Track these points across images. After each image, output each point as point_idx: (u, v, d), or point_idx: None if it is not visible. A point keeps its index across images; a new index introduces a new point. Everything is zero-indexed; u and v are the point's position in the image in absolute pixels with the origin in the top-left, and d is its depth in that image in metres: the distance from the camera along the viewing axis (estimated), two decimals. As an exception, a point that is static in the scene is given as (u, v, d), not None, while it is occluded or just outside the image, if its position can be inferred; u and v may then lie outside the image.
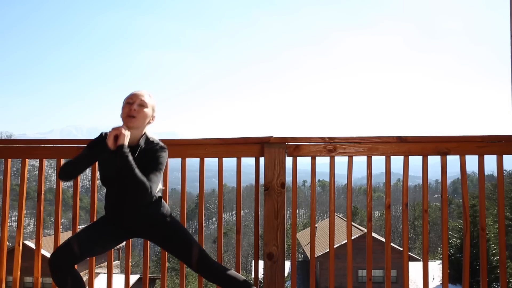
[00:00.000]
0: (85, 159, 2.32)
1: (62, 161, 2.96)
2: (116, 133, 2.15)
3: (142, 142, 2.30)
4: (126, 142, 2.15)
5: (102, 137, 2.32)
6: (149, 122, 2.35)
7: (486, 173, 2.90)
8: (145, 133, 2.33)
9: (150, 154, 2.26)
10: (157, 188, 2.25)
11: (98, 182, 2.78)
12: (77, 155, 2.33)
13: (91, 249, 2.32)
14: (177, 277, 30.02)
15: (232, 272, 2.44)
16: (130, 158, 2.13)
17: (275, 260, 2.80)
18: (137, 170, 2.12)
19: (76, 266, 2.34)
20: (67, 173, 2.32)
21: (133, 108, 2.24)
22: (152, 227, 2.39)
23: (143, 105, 2.27)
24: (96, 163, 2.61)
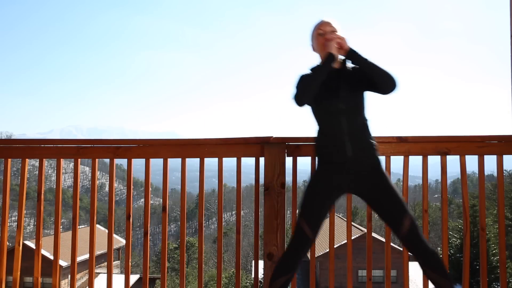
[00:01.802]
0: (320, 77, 2.24)
1: (62, 161, 2.97)
2: (338, 41, 2.19)
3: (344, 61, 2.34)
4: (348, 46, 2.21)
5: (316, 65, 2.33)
6: None
7: (486, 173, 2.90)
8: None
9: (360, 74, 2.29)
10: None
11: (98, 182, 2.78)
12: (308, 77, 2.26)
13: (319, 223, 2.30)
14: (177, 277, 30.05)
15: (435, 252, 2.27)
16: (364, 56, 2.19)
17: (275, 260, 2.80)
18: (377, 64, 2.17)
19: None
20: (305, 97, 2.25)
21: (327, 36, 2.27)
22: (368, 175, 2.28)
23: (334, 30, 2.32)
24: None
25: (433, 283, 2.29)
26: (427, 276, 2.29)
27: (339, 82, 2.30)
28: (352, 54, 2.21)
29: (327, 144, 2.33)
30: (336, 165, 2.30)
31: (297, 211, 2.40)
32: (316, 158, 2.40)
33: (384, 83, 2.19)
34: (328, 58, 2.22)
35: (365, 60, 2.19)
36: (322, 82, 2.25)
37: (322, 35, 2.32)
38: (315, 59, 2.43)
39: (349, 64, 2.37)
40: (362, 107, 2.33)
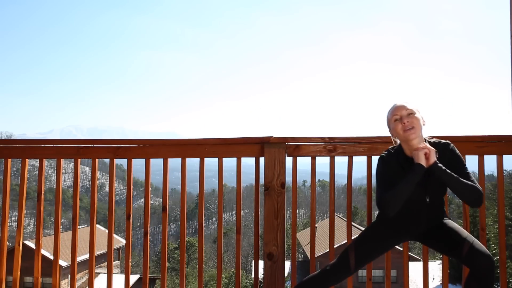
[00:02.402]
0: (410, 188, 2.23)
1: (62, 161, 2.97)
2: (427, 152, 2.20)
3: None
4: (435, 157, 2.21)
5: (390, 155, 2.38)
6: (423, 124, 2.34)
7: (486, 173, 2.90)
8: (424, 137, 2.36)
9: (446, 156, 2.29)
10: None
11: (98, 182, 2.78)
12: (404, 187, 2.23)
13: (368, 261, 2.47)
14: (177, 277, 30.05)
15: (492, 267, 2.18)
16: (448, 171, 2.19)
17: (275, 260, 2.80)
18: (460, 178, 2.18)
19: None
20: (398, 204, 2.24)
21: (405, 122, 2.26)
22: (437, 229, 2.36)
23: (411, 113, 2.29)
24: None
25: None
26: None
27: (427, 177, 2.27)
28: (436, 168, 2.20)
29: (403, 218, 2.35)
30: (408, 232, 2.42)
31: (352, 241, 2.47)
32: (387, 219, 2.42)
33: (467, 197, 2.23)
34: (417, 169, 2.22)
35: (449, 175, 2.19)
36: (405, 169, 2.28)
37: (399, 120, 2.29)
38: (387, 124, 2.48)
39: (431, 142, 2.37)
40: (444, 193, 2.39)
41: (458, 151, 2.32)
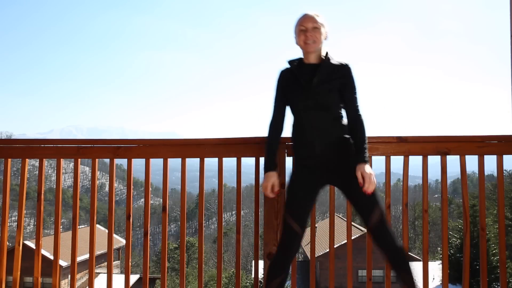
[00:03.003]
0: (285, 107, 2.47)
1: (62, 161, 2.97)
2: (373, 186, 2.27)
3: (324, 59, 2.39)
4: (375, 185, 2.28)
5: (285, 73, 2.47)
6: (325, 39, 2.44)
7: (486, 173, 2.90)
8: (325, 52, 2.42)
9: (338, 74, 2.35)
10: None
11: (98, 182, 2.78)
12: (277, 109, 2.49)
13: (305, 217, 2.39)
14: (177, 277, 30.04)
15: (403, 250, 2.35)
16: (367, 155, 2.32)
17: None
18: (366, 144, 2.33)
19: None
20: (279, 133, 2.50)
21: (308, 34, 2.34)
22: (345, 167, 2.36)
23: (316, 27, 2.36)
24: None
25: (398, 277, 2.37)
26: (392, 270, 2.39)
27: (312, 79, 2.35)
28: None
29: (298, 140, 2.43)
30: (308, 161, 2.39)
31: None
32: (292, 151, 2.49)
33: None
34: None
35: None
36: (296, 76, 2.38)
37: (304, 31, 2.36)
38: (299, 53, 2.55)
39: (332, 60, 2.41)
40: (334, 103, 2.37)
41: (353, 76, 2.39)
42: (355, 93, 2.39)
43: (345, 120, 2.41)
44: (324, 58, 2.40)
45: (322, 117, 2.35)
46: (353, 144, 2.38)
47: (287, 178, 2.82)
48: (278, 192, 2.48)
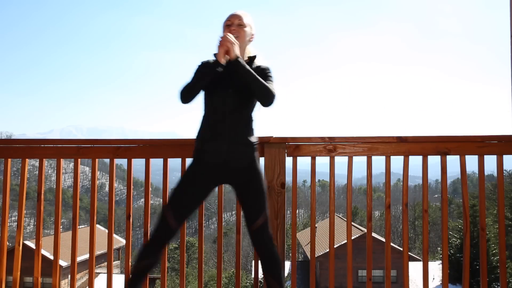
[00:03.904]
0: (204, 79, 2.29)
1: (62, 161, 2.97)
2: (227, 45, 2.20)
3: (245, 59, 2.36)
4: (238, 51, 2.22)
5: (207, 61, 2.37)
6: (249, 41, 2.42)
7: (486, 173, 2.90)
8: (247, 53, 2.40)
9: (259, 74, 2.30)
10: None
11: (98, 182, 2.78)
12: (194, 77, 2.31)
13: (186, 215, 2.33)
14: (177, 277, 30.02)
15: (277, 257, 2.37)
16: (248, 67, 2.21)
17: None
18: (258, 77, 2.20)
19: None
20: (192, 97, 2.29)
21: (232, 29, 2.33)
22: (243, 166, 2.32)
23: (241, 24, 2.35)
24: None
25: (266, 284, 2.38)
26: (264, 278, 2.38)
27: (229, 79, 2.32)
28: (235, 64, 2.21)
29: (206, 134, 2.34)
30: (211, 157, 2.32)
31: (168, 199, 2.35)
32: (195, 148, 2.40)
33: (262, 96, 2.24)
34: (214, 64, 2.26)
35: (247, 71, 2.20)
36: (213, 77, 2.29)
37: (229, 26, 2.35)
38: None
39: (255, 63, 2.38)
40: (247, 106, 2.34)
41: (271, 74, 2.35)
42: (269, 77, 2.34)
43: (254, 124, 2.38)
44: (248, 58, 2.39)
45: (235, 116, 2.31)
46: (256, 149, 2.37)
47: (287, 178, 2.83)
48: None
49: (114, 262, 17.88)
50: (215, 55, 2.31)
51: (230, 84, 2.30)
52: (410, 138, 2.82)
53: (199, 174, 2.33)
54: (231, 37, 2.22)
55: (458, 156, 2.84)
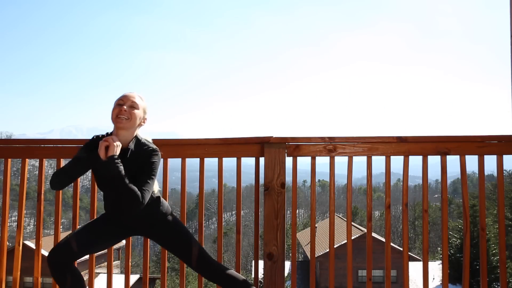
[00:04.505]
0: (78, 167, 2.29)
1: (62, 161, 2.97)
2: (107, 144, 2.17)
3: (132, 145, 2.29)
4: (117, 152, 2.18)
5: (94, 140, 2.31)
6: (140, 124, 2.33)
7: (486, 173, 2.90)
8: (136, 135, 2.33)
9: (142, 159, 2.25)
10: (150, 194, 2.24)
11: (98, 182, 2.77)
12: (69, 163, 2.30)
13: (90, 247, 2.34)
14: (177, 277, 30.02)
15: (232, 272, 2.45)
16: (121, 169, 2.15)
17: (275, 260, 2.80)
18: (127, 181, 2.15)
19: (75, 263, 2.40)
20: (60, 183, 2.30)
21: (123, 109, 2.23)
22: (152, 227, 2.42)
23: (133, 106, 2.26)
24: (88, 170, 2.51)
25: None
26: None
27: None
28: (109, 161, 2.15)
29: (107, 210, 2.41)
30: (117, 224, 2.40)
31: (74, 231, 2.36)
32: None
33: (126, 201, 2.17)
34: (88, 158, 2.25)
35: (118, 173, 2.14)
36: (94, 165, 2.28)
37: (120, 106, 2.25)
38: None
39: (142, 145, 2.31)
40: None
41: (156, 159, 2.26)
42: (149, 176, 2.24)
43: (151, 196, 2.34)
44: (131, 147, 2.28)
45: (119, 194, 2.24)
46: (162, 203, 2.42)
47: (287, 178, 2.83)
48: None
49: (114, 262, 17.88)
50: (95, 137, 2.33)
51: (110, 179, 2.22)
52: (410, 138, 2.82)
53: (108, 225, 2.40)
54: (115, 140, 2.19)
55: (458, 156, 2.84)
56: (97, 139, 2.30)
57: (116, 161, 2.15)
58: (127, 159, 2.24)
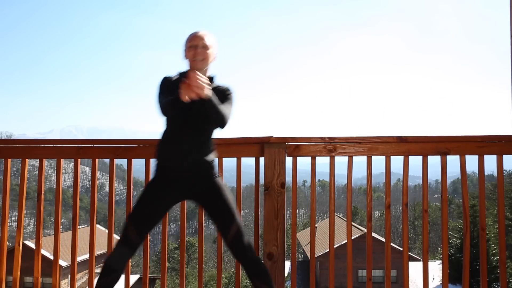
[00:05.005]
0: (180, 104, 2.21)
1: (62, 161, 2.97)
2: (198, 92, 2.07)
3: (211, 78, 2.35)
4: (209, 91, 2.13)
5: (171, 81, 2.33)
6: (212, 61, 2.39)
7: (486, 173, 2.90)
8: (209, 75, 2.38)
9: (219, 95, 2.28)
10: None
11: (98, 182, 2.78)
12: (172, 102, 2.22)
13: (149, 226, 2.34)
14: (177, 277, 30.03)
15: (259, 259, 2.39)
16: (215, 101, 2.16)
17: (275, 260, 2.80)
18: (219, 107, 2.17)
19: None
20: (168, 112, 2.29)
21: (197, 51, 2.29)
22: (206, 181, 2.34)
23: (206, 46, 2.32)
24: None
25: None
26: (252, 283, 2.37)
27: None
28: (207, 103, 2.16)
29: (167, 150, 2.34)
30: (171, 173, 2.33)
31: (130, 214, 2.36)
32: (155, 163, 2.39)
33: (218, 122, 2.25)
34: (178, 102, 2.18)
35: (214, 106, 2.17)
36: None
37: (194, 47, 2.30)
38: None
39: (215, 82, 2.36)
40: (208, 124, 2.32)
41: (232, 96, 2.34)
42: (229, 108, 2.30)
43: (212, 142, 2.38)
44: (209, 77, 2.35)
45: (197, 134, 2.31)
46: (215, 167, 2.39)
47: (287, 178, 2.83)
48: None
49: (114, 262, 17.83)
50: (180, 73, 2.35)
51: (192, 103, 2.23)
52: (410, 138, 2.82)
53: (162, 189, 2.33)
54: (201, 79, 2.10)
55: (458, 156, 2.84)
56: (176, 79, 2.33)
57: (214, 100, 2.17)
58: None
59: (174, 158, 2.31)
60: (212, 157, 2.36)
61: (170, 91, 2.26)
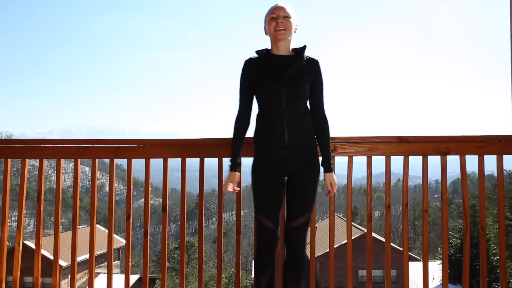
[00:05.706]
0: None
1: (62, 161, 2.97)
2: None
3: (298, 50, 2.41)
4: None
5: (252, 63, 2.41)
6: (294, 31, 2.42)
7: (486, 173, 2.90)
8: (303, 45, 2.42)
9: (314, 70, 2.37)
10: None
11: (98, 182, 2.78)
12: (232, 147, 2.46)
13: (279, 210, 2.38)
14: (177, 277, 30.03)
15: (304, 259, 2.41)
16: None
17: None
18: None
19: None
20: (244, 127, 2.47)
21: (279, 21, 2.32)
22: (305, 161, 2.37)
23: (287, 16, 2.34)
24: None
25: (284, 282, 2.44)
26: (283, 274, 2.44)
27: (286, 70, 2.33)
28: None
29: (266, 130, 2.37)
30: (274, 152, 2.35)
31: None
32: (254, 144, 2.43)
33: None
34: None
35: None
36: (265, 66, 2.35)
37: (275, 19, 2.34)
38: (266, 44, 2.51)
39: (305, 55, 2.41)
40: (304, 96, 2.36)
41: (322, 73, 2.42)
42: (322, 91, 2.42)
43: (310, 115, 2.42)
44: (296, 49, 2.41)
45: (293, 107, 2.33)
46: (318, 144, 2.42)
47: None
48: (237, 191, 2.45)
49: (114, 262, 17.88)
50: (257, 52, 2.39)
51: (283, 81, 2.30)
52: (410, 138, 2.82)
53: (268, 172, 2.36)
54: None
55: (458, 156, 2.84)
56: (255, 60, 2.40)
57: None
58: (298, 64, 2.33)
59: (275, 138, 2.34)
60: (311, 129, 2.40)
61: (251, 76, 2.36)
